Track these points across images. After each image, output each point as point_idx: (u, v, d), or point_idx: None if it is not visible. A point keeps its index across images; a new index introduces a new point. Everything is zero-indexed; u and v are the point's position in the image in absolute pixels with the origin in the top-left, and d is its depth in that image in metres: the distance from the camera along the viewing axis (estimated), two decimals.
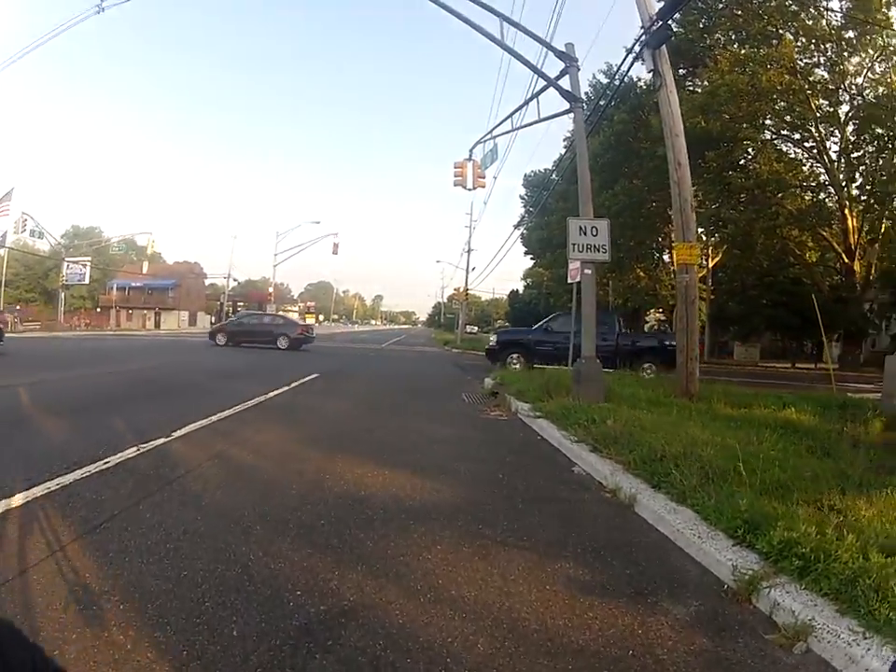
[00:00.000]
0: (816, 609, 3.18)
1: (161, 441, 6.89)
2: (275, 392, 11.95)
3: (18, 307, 66.22)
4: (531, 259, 63.24)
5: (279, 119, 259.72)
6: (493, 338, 22.89)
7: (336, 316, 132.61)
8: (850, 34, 29.11)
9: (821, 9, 29.01)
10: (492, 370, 18.26)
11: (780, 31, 29.65)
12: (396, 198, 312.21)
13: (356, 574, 3.55)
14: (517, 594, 3.43)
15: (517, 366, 19.97)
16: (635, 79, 34.76)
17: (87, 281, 62.15)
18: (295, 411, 10.01)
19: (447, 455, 7.06)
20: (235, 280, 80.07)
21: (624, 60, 14.19)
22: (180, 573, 3.43)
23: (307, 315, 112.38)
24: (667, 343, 20.03)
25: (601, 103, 24.81)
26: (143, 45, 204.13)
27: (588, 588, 3.56)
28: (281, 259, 58.72)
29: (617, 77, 25.86)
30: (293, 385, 13.46)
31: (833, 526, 3.93)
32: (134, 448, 6.41)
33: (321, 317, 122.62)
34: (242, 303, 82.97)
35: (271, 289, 60.92)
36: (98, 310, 75.49)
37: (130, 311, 79.46)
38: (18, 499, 4.56)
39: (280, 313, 41.43)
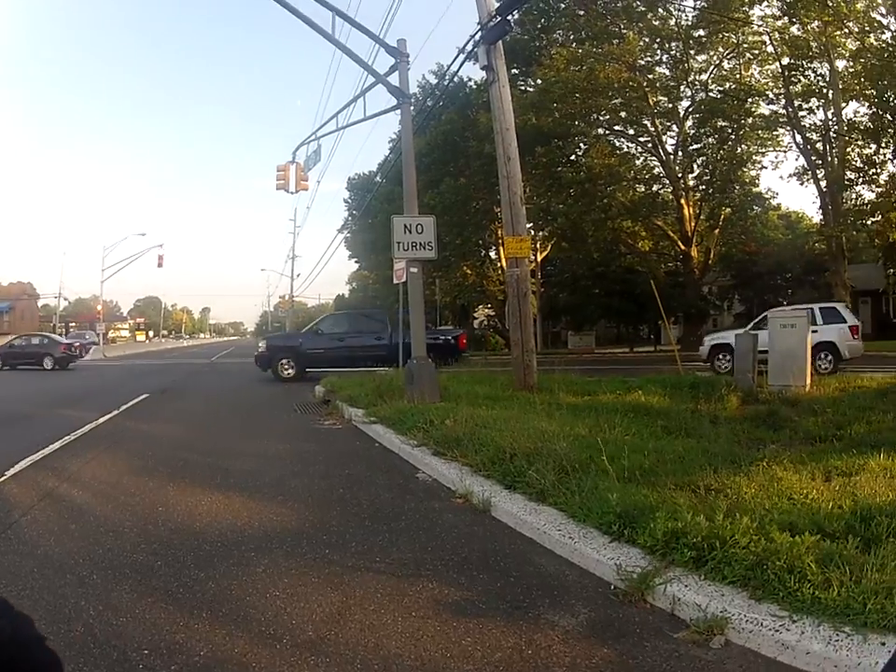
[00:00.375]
0: (725, 600, 3.08)
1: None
2: (106, 417, 11.22)
3: None
4: (356, 262, 62.99)
5: (97, 125, 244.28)
6: (262, 344, 21.32)
7: (166, 332, 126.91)
8: (700, 32, 30.28)
9: (671, 10, 30.25)
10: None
11: (624, 30, 30.78)
12: (220, 207, 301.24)
13: (201, 623, 3.26)
14: (382, 626, 3.18)
15: (290, 372, 19.25)
16: (465, 79, 35.54)
17: None
18: (125, 437, 9.40)
19: (283, 473, 6.78)
20: (66, 299, 75.67)
21: (456, 58, 14.41)
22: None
23: (137, 332, 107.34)
24: (447, 337, 20.74)
25: (429, 103, 25.04)
26: None
27: (459, 608, 3.38)
28: (108, 275, 55.14)
29: (447, 76, 26.16)
30: (122, 408, 12.63)
31: (723, 512, 3.79)
32: None
33: (151, 333, 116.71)
34: (73, 323, 79.15)
35: (99, 307, 57.43)
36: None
37: None
38: None
39: (48, 333, 39.33)
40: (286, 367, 19.29)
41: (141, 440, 9.10)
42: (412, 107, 13.55)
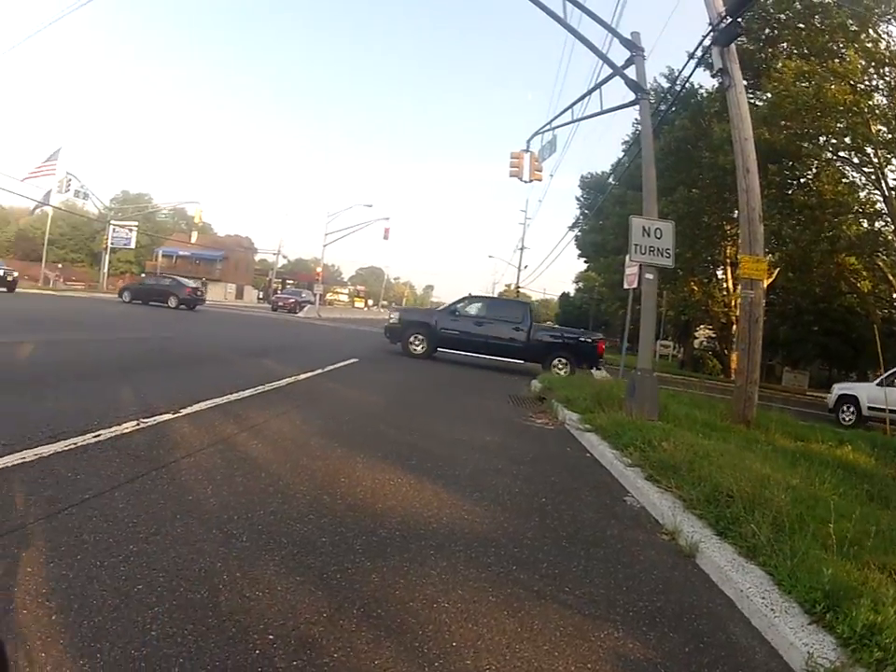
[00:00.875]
0: None
1: (167, 417, 6.22)
2: (307, 374, 11.19)
3: (60, 265, 67.23)
4: (584, 262, 62.32)
5: (336, 99, 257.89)
6: (394, 315, 20.35)
7: (385, 302, 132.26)
8: None
9: (880, 32, 27.10)
10: (532, 383, 16.37)
11: (843, 49, 27.66)
12: (450, 188, 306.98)
13: (348, 621, 2.76)
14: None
15: (419, 349, 18.73)
16: (696, 86, 33.82)
17: (133, 246, 62.56)
18: (322, 398, 9.18)
19: (486, 468, 6.11)
20: (285, 257, 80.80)
21: (687, 63, 13.51)
22: (134, 586, 2.77)
23: (356, 299, 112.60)
24: (583, 338, 19.31)
25: (662, 107, 23.96)
26: (201, 9, 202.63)
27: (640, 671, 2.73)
28: (331, 240, 58.14)
29: (679, 80, 24.94)
30: (326, 368, 12.60)
31: None
32: (134, 422, 5.76)
33: (370, 301, 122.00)
34: (291, 281, 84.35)
35: (319, 269, 60.61)
36: (143, 275, 76.70)
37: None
38: None
39: (176, 276, 43.39)
40: (415, 343, 18.85)
41: (339, 403, 8.88)
42: (650, 102, 12.78)
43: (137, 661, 2.25)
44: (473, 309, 19.19)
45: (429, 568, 3.48)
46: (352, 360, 14.77)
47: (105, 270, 57.00)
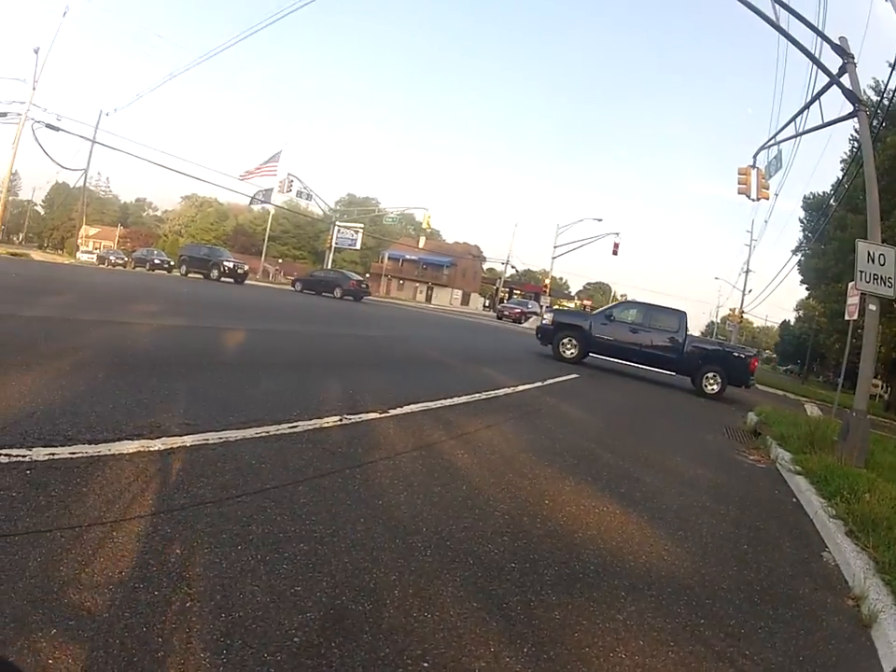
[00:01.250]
0: None
1: (373, 416, 6.23)
2: (525, 386, 10.96)
3: (280, 261, 72.44)
4: (806, 289, 58.36)
5: (565, 111, 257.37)
6: (548, 316, 19.79)
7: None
8: None
9: None
10: (731, 413, 15.54)
11: None
12: (675, 205, 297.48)
13: (514, 660, 2.52)
14: None
15: (572, 353, 18.03)
16: None
17: (358, 247, 66.19)
18: (538, 413, 8.84)
19: (693, 505, 5.66)
20: (513, 267, 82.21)
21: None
22: (291, 587, 2.70)
23: None
24: (736, 353, 18.06)
25: (873, 123, 21.73)
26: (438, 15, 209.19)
27: None
28: (560, 252, 58.50)
29: (885, 93, 22.41)
30: (547, 381, 12.34)
31: None
32: (337, 418, 5.82)
33: None
34: (518, 291, 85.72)
35: (547, 281, 61.09)
36: (367, 275, 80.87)
37: (401, 281, 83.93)
38: (157, 445, 4.12)
39: (343, 270, 52.27)
40: (568, 346, 18.26)
41: (553, 419, 8.52)
42: (867, 113, 11.64)
43: (266, 666, 2.15)
44: (629, 315, 18.56)
45: (616, 612, 3.18)
46: (572, 376, 14.48)
47: (328, 267, 60.77)
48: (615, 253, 55.19)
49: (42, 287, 15.80)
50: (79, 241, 59.47)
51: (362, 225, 66.17)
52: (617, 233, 55.77)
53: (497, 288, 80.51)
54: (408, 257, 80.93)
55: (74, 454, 3.70)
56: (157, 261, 47.61)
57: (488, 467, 5.35)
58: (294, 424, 5.30)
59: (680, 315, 18.32)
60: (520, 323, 50.66)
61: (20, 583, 2.32)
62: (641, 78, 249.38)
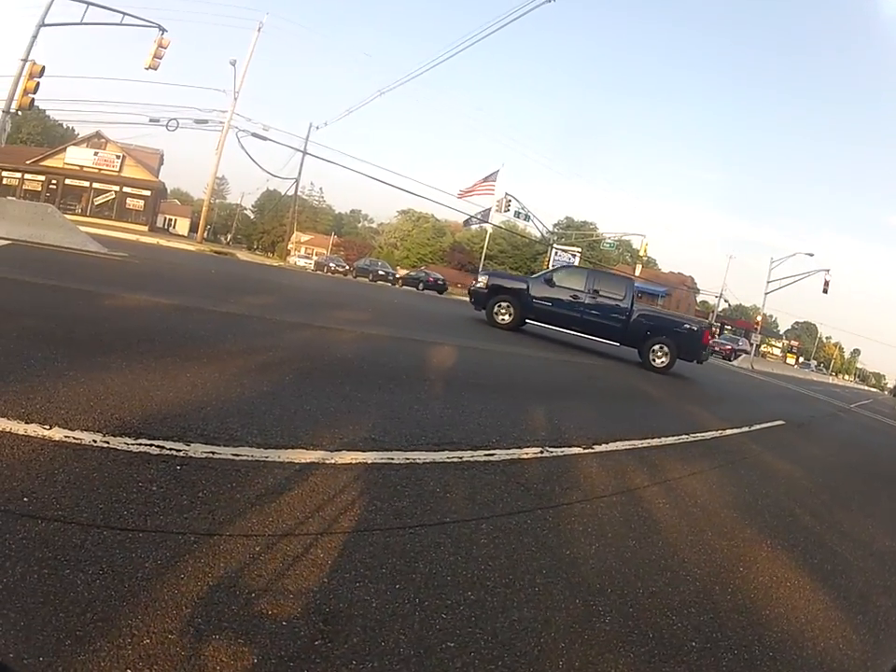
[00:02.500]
0: None
1: (575, 450, 5.83)
2: (732, 431, 9.97)
3: None
4: None
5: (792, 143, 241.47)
6: (482, 278, 18.87)
7: (815, 361, 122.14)
8: None
9: None
10: None
11: None
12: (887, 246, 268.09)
13: None
14: None
15: (506, 319, 17.37)
16: None
17: None
18: (742, 463, 7.79)
19: (878, 585, 4.70)
20: (726, 301, 79.02)
21: None
22: (442, 642, 2.40)
23: (788, 355, 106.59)
24: (687, 325, 17.20)
25: None
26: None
27: None
28: (772, 289, 55.27)
29: None
30: (754, 427, 11.20)
31: None
32: (538, 449, 5.50)
33: (801, 359, 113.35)
34: (728, 326, 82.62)
35: (759, 318, 58.03)
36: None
37: None
38: (335, 458, 4.02)
39: (424, 269, 60.84)
40: (503, 311, 17.57)
41: (758, 471, 7.59)
42: None
43: None
44: (571, 280, 17.73)
45: None
46: (777, 422, 13.30)
47: None
48: (825, 291, 52.67)
49: (242, 286, 16.36)
50: (290, 246, 63.53)
51: (580, 249, 65.69)
52: (827, 270, 53.16)
53: (711, 323, 77.09)
54: None
55: (237, 455, 3.66)
56: (381, 272, 50.79)
57: (688, 521, 4.80)
58: (491, 451, 5.03)
59: (628, 283, 18.09)
60: (730, 360, 48.14)
61: (125, 584, 2.26)
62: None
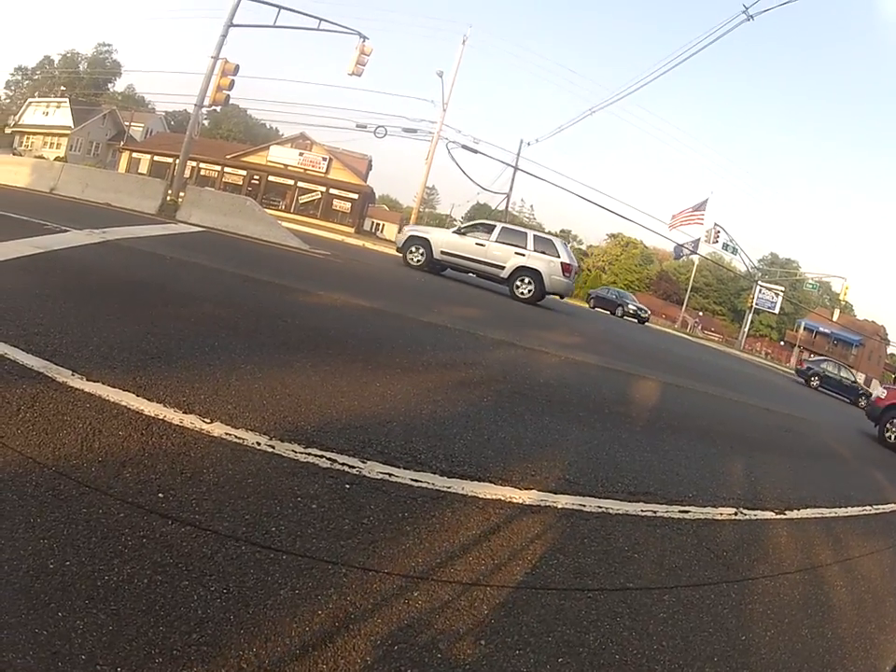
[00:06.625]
0: None
1: (768, 515, 5.22)
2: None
3: (701, 313, 71.28)
4: None
5: None
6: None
7: None
8: None
9: None
10: None
11: None
12: None
13: None
14: None
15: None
16: None
17: (776, 311, 63.09)
18: None
19: None
20: None
21: None
22: None
23: None
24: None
25: None
26: None
27: None
28: None
29: None
30: None
31: None
32: (732, 510, 4.95)
33: None
34: None
35: None
36: (782, 343, 75.60)
37: (812, 355, 78.69)
38: (523, 497, 3.69)
39: (622, 291, 50.11)
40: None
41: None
42: None
43: None
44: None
45: None
46: None
47: (746, 329, 58.05)
48: None
49: (447, 295, 15.83)
50: None
51: (783, 288, 62.46)
52: None
53: (866, 375, 70.84)
54: (821, 329, 73.91)
55: (416, 480, 3.41)
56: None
57: (858, 609, 4.09)
58: (685, 508, 4.58)
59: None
60: None
61: (248, 609, 2.07)
62: None
